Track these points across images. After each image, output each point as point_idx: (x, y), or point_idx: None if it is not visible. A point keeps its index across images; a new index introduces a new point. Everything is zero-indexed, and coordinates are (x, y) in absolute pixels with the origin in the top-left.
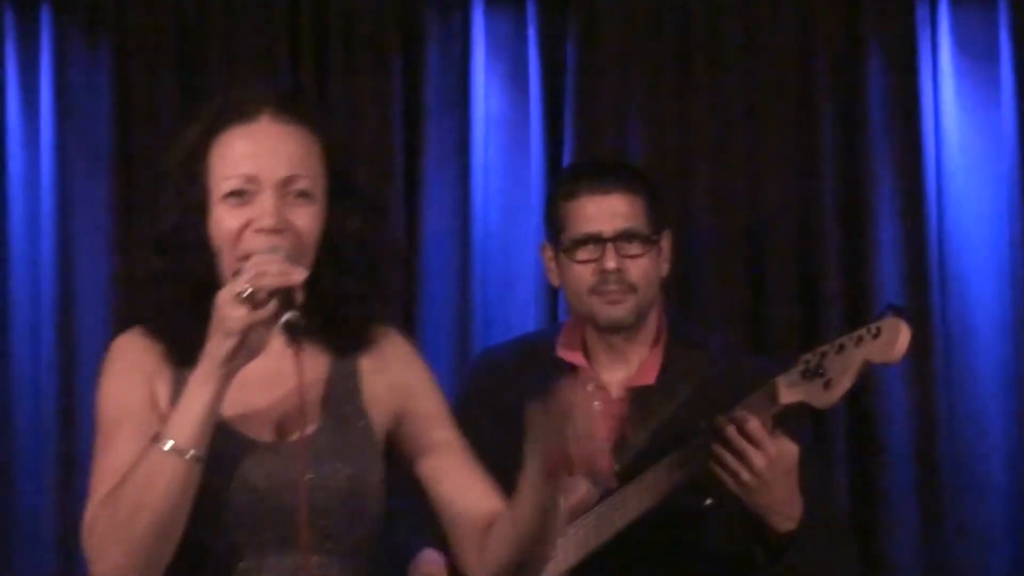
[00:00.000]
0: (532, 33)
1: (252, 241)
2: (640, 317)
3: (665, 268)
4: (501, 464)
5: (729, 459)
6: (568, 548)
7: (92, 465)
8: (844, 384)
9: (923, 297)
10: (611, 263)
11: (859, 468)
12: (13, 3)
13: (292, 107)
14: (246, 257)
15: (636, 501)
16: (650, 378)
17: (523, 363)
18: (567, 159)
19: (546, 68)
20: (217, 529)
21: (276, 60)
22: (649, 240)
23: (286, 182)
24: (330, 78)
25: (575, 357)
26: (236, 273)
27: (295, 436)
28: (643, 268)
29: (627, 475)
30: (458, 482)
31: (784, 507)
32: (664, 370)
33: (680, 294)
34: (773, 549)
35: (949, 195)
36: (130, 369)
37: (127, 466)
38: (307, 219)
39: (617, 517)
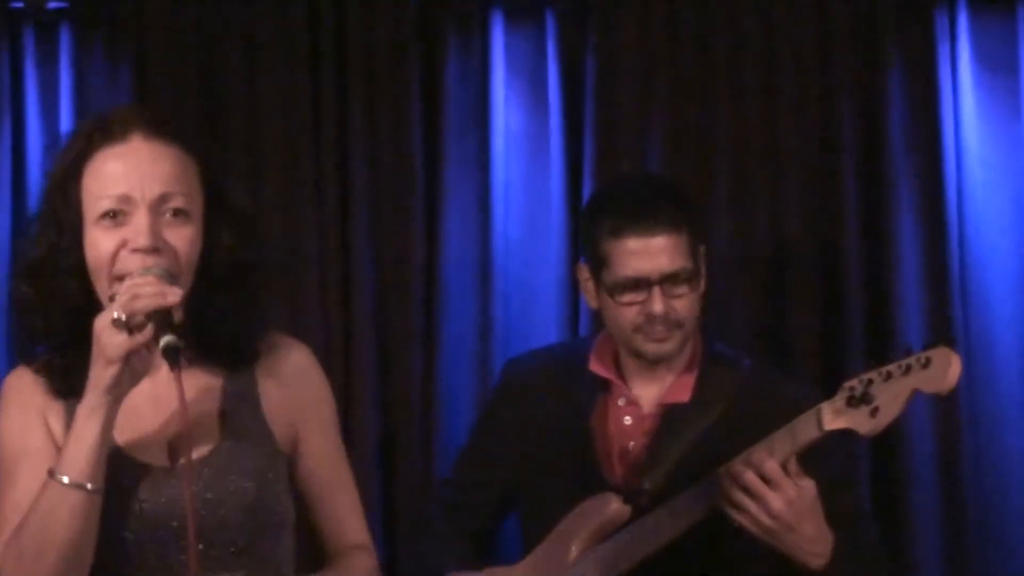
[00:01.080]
0: (551, 47)
1: (127, 261)
2: (682, 342)
3: (703, 285)
4: (522, 468)
5: (748, 503)
6: (604, 566)
7: None
8: (892, 413)
9: (944, 310)
10: (658, 307)
11: (882, 481)
12: (34, 21)
13: (163, 126)
14: (121, 278)
15: (669, 526)
16: (684, 396)
17: (554, 374)
18: (587, 173)
19: (565, 82)
20: (122, 556)
21: (296, 78)
22: (694, 276)
23: (160, 200)
24: (350, 94)
25: (608, 372)
26: (112, 298)
27: (204, 449)
28: (689, 304)
29: (659, 494)
30: (330, 511)
31: (812, 545)
32: (698, 388)
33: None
34: None
35: (970, 208)
36: (22, 408)
37: (25, 502)
38: (183, 237)
39: (649, 541)
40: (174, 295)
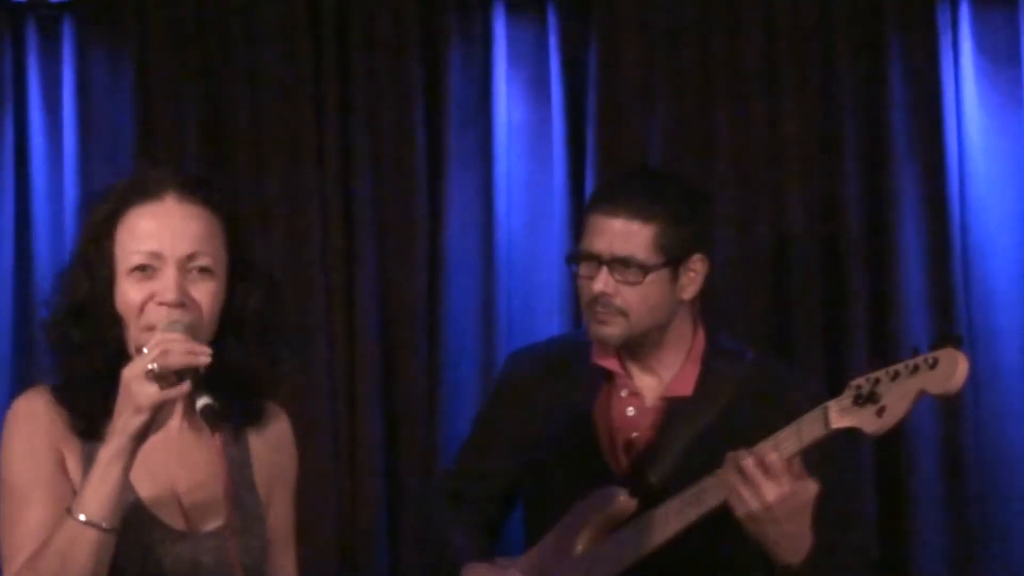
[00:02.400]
0: (553, 41)
1: (154, 313)
2: (639, 337)
3: (688, 292)
4: (526, 459)
5: (741, 487)
6: (609, 559)
7: (3, 529)
8: (899, 412)
9: (948, 303)
10: (599, 286)
11: (886, 466)
12: (35, 14)
13: (195, 188)
14: (149, 328)
15: (676, 520)
16: (687, 389)
17: (557, 366)
18: (589, 166)
19: (567, 75)
20: None
21: (298, 71)
22: (649, 268)
23: (188, 259)
24: (353, 86)
25: (611, 363)
26: (139, 348)
27: (208, 527)
28: (638, 295)
29: (665, 487)
30: (276, 567)
31: (791, 542)
32: (701, 381)
33: (705, 302)
34: (785, 572)
35: (972, 198)
36: (36, 434)
37: (42, 533)
38: (207, 294)
39: (656, 535)
40: (206, 356)
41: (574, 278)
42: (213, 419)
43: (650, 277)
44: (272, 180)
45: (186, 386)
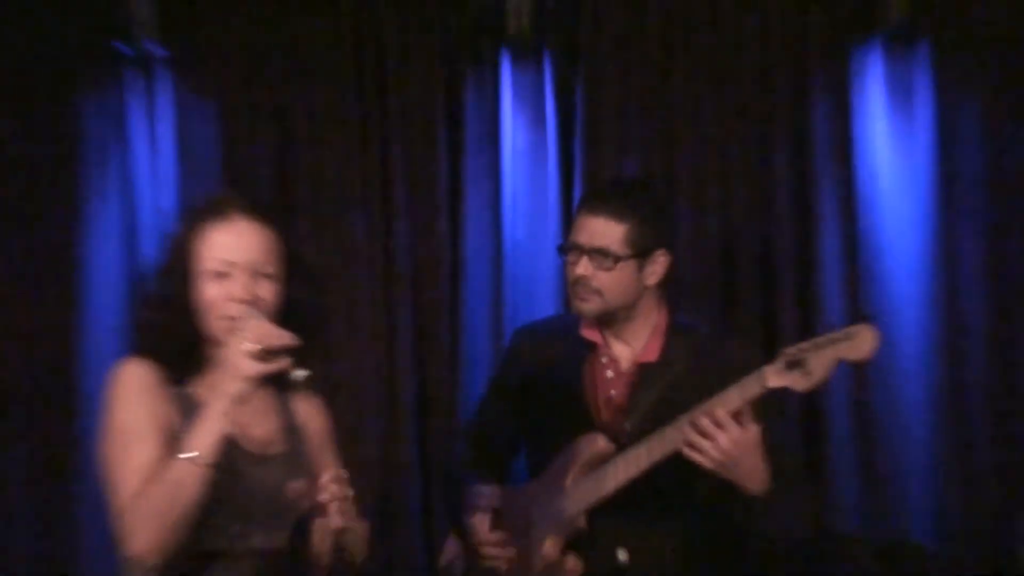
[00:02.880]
0: (548, 81)
1: (230, 308)
2: (613, 313)
3: (652, 279)
4: (528, 411)
5: (703, 442)
6: (589, 491)
7: (113, 463)
8: (821, 375)
9: (858, 286)
10: (579, 270)
11: (809, 421)
12: (140, 65)
13: (254, 210)
14: (227, 319)
15: (646, 456)
16: (653, 356)
17: (554, 337)
18: (577, 182)
19: (560, 109)
20: (217, 512)
21: (347, 109)
22: (620, 258)
23: (255, 266)
24: (389, 121)
25: (594, 336)
26: (230, 331)
27: (274, 451)
28: (611, 279)
29: (636, 433)
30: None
31: (752, 474)
32: (664, 350)
33: (669, 288)
34: (746, 504)
35: (877, 207)
36: (139, 390)
37: (149, 467)
38: (269, 292)
39: (630, 469)
40: (291, 339)
41: (563, 266)
42: (301, 386)
43: (620, 265)
44: (327, 193)
45: (284, 362)
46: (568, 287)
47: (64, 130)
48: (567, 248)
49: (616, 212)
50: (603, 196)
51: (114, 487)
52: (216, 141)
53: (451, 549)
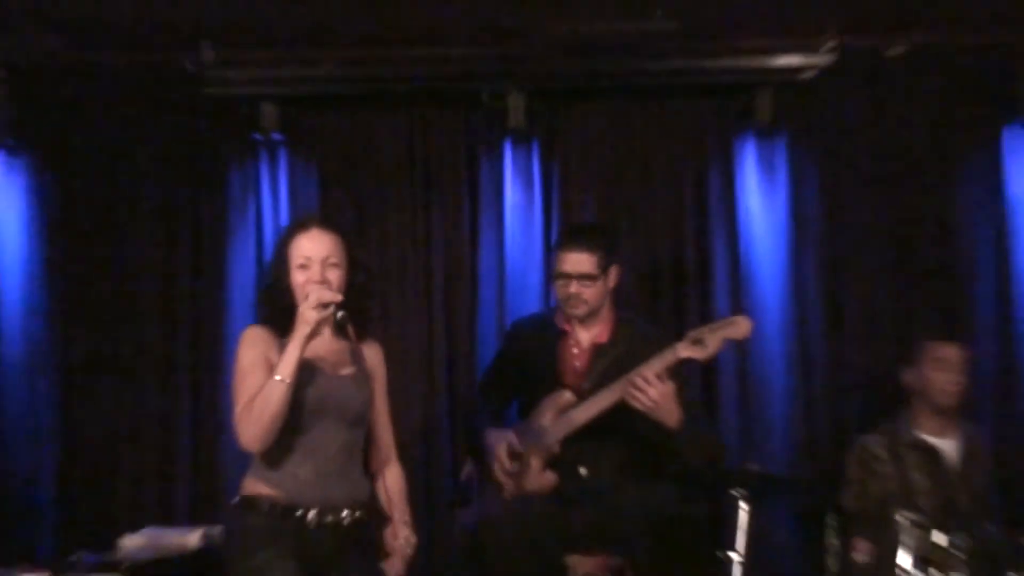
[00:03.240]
0: (536, 161)
1: (310, 287)
2: (591, 313)
3: (611, 287)
4: (516, 376)
5: (638, 394)
6: (560, 428)
7: (235, 390)
8: (714, 349)
9: (739, 291)
10: (572, 289)
11: (705, 381)
12: (264, 146)
13: (327, 223)
14: (308, 294)
15: (598, 404)
16: (605, 338)
17: (537, 326)
18: (554, 227)
19: (543, 180)
20: (309, 416)
21: (403, 182)
22: (596, 277)
23: (325, 259)
24: (431, 194)
25: (565, 326)
26: (305, 298)
27: (345, 372)
28: (592, 292)
29: (593, 390)
30: (379, 426)
31: (671, 415)
32: (612, 335)
33: (619, 301)
34: (668, 434)
35: (752, 241)
36: (255, 342)
37: (256, 388)
38: (336, 277)
39: (588, 413)
40: (339, 297)
41: (555, 288)
42: (345, 323)
43: (596, 282)
44: (391, 235)
45: (330, 311)
46: (560, 300)
47: (218, 188)
48: (560, 276)
49: (588, 247)
50: (577, 238)
51: (234, 405)
52: (316, 198)
53: (469, 468)
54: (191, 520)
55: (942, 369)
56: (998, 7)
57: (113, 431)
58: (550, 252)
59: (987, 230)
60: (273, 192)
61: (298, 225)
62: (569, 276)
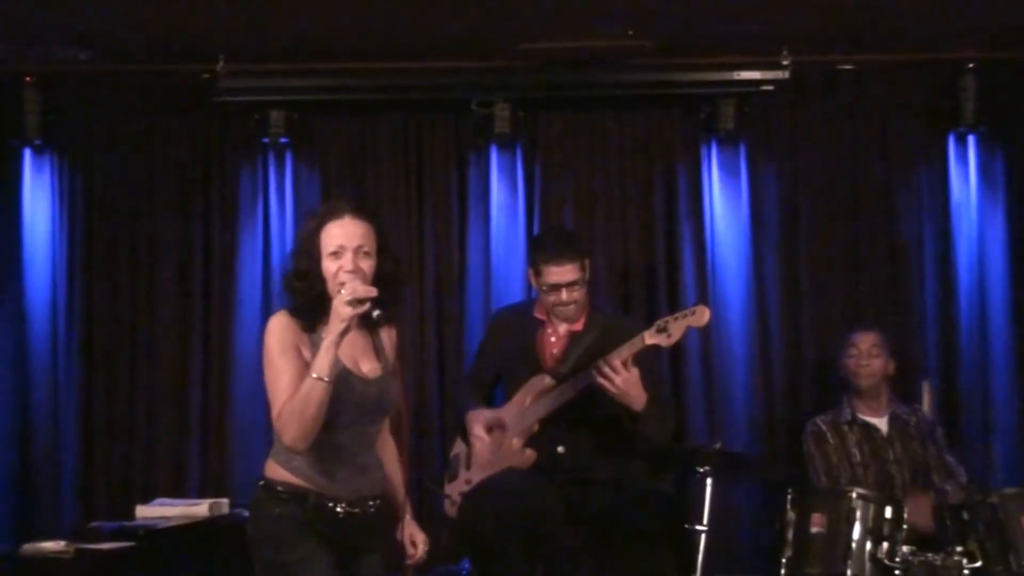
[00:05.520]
0: (519, 163)
1: (342, 276)
2: (577, 311)
3: (588, 280)
4: (500, 362)
5: (606, 381)
6: (539, 409)
7: (271, 384)
8: (677, 337)
9: (705, 286)
10: (563, 297)
11: (673, 364)
12: (272, 149)
13: (360, 210)
14: (341, 283)
15: (573, 388)
16: (579, 327)
17: (517, 315)
18: (536, 227)
19: (526, 181)
20: (337, 414)
21: (398, 184)
22: (580, 282)
23: (358, 248)
24: (424, 193)
25: (543, 316)
26: (339, 290)
27: (375, 374)
28: (578, 296)
29: (569, 374)
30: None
31: (637, 399)
32: (586, 324)
33: (592, 291)
34: (633, 417)
35: (717, 241)
36: (284, 333)
37: (293, 386)
38: (368, 266)
39: (564, 396)
40: (375, 292)
41: (542, 298)
42: (376, 322)
43: (582, 286)
44: (388, 225)
45: (367, 307)
46: (550, 308)
47: (229, 187)
48: (551, 289)
49: (570, 256)
50: (560, 249)
51: (272, 401)
52: (319, 196)
53: (457, 445)
54: (200, 493)
55: (853, 355)
56: (939, 26)
57: (130, 412)
58: (536, 261)
59: (932, 230)
60: (279, 191)
61: (330, 212)
62: (559, 286)
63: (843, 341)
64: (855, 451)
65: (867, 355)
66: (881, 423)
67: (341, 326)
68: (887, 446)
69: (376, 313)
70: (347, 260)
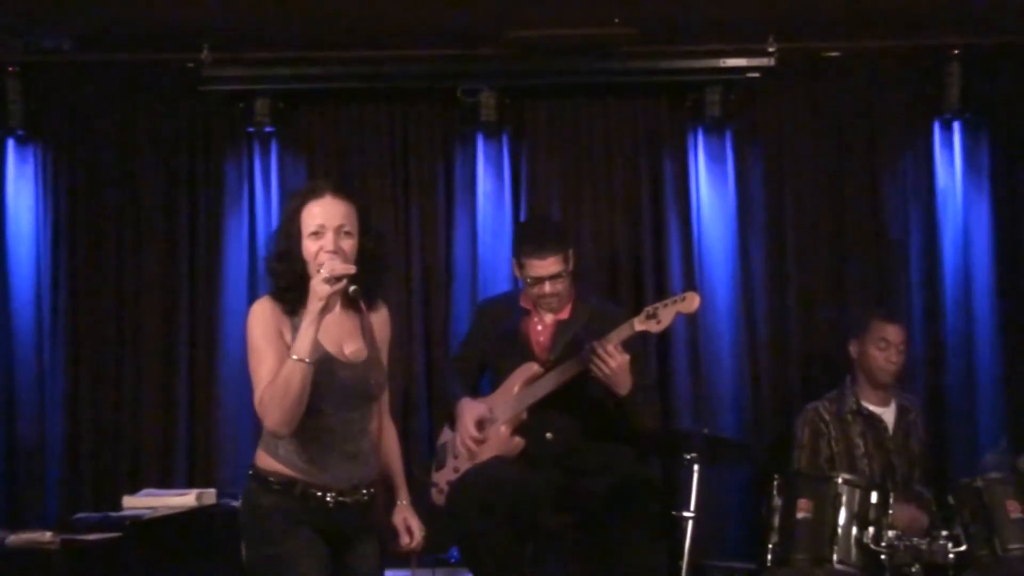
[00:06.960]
0: (506, 154)
1: (323, 256)
2: (561, 302)
3: (571, 271)
4: (487, 351)
5: (598, 364)
6: (527, 397)
7: (253, 370)
8: (666, 323)
9: (692, 274)
10: (547, 289)
11: (660, 350)
12: (257, 137)
13: (341, 189)
14: (321, 263)
15: (561, 375)
16: (566, 316)
17: (503, 305)
18: (523, 214)
19: (512, 170)
20: (321, 399)
21: (384, 174)
22: (563, 274)
23: (339, 228)
24: (410, 181)
25: (529, 305)
26: (318, 269)
27: (358, 357)
28: (562, 287)
29: (557, 362)
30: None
31: (624, 385)
32: (573, 312)
33: (579, 279)
34: (619, 401)
35: (703, 232)
36: (267, 318)
37: (274, 370)
38: (349, 246)
39: (551, 383)
40: (352, 269)
41: (527, 290)
42: (358, 298)
43: (565, 277)
44: (374, 212)
45: (343, 284)
46: (535, 300)
47: (215, 176)
48: (535, 282)
49: (553, 249)
50: (543, 243)
51: (255, 386)
52: (303, 181)
53: (445, 433)
54: (187, 483)
55: (883, 348)
56: (923, 13)
57: (116, 401)
58: (520, 253)
59: (917, 215)
60: (265, 179)
61: (311, 191)
62: (543, 279)
63: (863, 327)
64: (858, 441)
65: (898, 351)
66: (886, 413)
67: (319, 304)
68: (891, 437)
69: (352, 288)
70: (328, 240)
